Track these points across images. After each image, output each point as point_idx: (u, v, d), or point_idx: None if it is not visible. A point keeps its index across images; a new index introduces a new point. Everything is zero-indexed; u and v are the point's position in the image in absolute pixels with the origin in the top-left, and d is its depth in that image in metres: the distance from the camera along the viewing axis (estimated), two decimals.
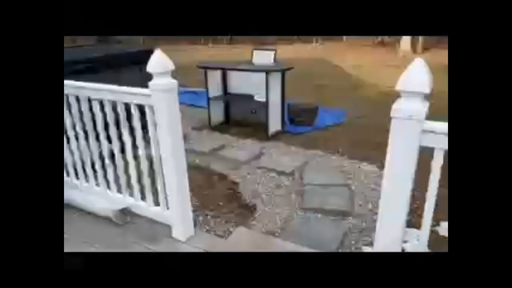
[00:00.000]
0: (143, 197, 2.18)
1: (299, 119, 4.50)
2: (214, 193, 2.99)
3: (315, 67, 8.96)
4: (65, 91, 2.04)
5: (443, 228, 1.44)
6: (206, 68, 4.37)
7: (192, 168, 3.43)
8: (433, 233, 1.50)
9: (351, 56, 10.71)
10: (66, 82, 1.97)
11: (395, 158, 1.21)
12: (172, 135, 1.76)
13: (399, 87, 1.15)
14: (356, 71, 8.43)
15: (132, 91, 1.79)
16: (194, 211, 2.65)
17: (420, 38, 11.06)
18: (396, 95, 1.21)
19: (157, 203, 2.12)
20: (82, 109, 2.08)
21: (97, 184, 2.34)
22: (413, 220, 1.84)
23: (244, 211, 2.67)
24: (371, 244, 2.23)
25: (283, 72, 4.15)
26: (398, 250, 1.37)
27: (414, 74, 1.12)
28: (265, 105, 4.05)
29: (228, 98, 4.67)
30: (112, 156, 2.14)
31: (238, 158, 3.54)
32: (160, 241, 2.04)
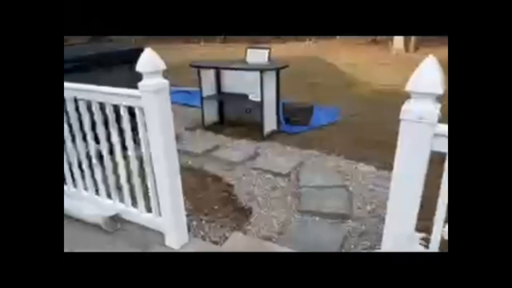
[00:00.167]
0: (134, 203, 2.07)
1: (294, 119, 4.43)
2: (208, 196, 2.89)
3: (309, 65, 8.90)
4: None
5: (446, 232, 1.39)
6: (199, 67, 4.27)
7: (185, 170, 3.33)
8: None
9: (344, 54, 10.68)
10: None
11: (404, 163, 1.14)
12: (164, 137, 1.66)
13: (409, 87, 1.07)
14: (349, 69, 8.40)
15: (121, 92, 1.69)
16: (187, 215, 2.55)
17: (413, 37, 11.09)
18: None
19: (149, 209, 2.02)
20: (68, 109, 1.96)
21: (86, 189, 2.23)
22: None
23: (240, 215, 2.59)
24: (370, 248, 2.18)
25: (277, 71, 4.06)
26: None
27: (426, 74, 1.04)
28: (259, 105, 3.97)
29: (222, 97, 4.57)
30: (100, 158, 2.04)
31: (233, 159, 3.45)
32: (152, 249, 1.94)
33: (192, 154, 3.61)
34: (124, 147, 1.91)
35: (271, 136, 4.14)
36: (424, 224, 1.38)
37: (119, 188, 2.06)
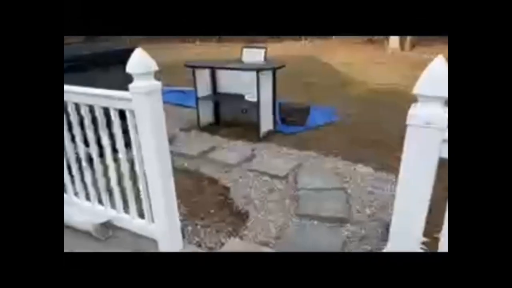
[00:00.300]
0: (126, 207, 1.99)
1: (291, 119, 4.37)
2: (204, 199, 2.82)
3: (305, 64, 8.85)
4: None
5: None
6: (194, 67, 4.19)
7: (181, 173, 3.25)
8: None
9: (340, 54, 10.64)
10: None
11: (411, 170, 1.08)
12: (155, 141, 1.59)
13: (416, 90, 1.01)
14: (345, 68, 8.36)
15: (110, 94, 1.61)
16: (182, 220, 2.48)
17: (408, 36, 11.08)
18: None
19: (141, 215, 1.94)
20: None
21: (76, 194, 2.14)
22: None
23: (236, 219, 2.52)
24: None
25: (274, 71, 4.00)
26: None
27: (435, 76, 0.98)
28: (256, 105, 3.90)
29: (218, 97, 4.49)
30: (90, 161, 1.95)
31: (229, 160, 3.38)
32: None
33: (188, 156, 3.53)
34: (114, 150, 1.83)
35: (268, 136, 4.07)
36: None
37: (109, 191, 1.98)
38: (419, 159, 1.06)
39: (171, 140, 3.96)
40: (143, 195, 1.79)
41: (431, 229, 1.36)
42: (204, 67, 4.27)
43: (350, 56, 10.24)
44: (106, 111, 1.72)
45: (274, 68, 3.97)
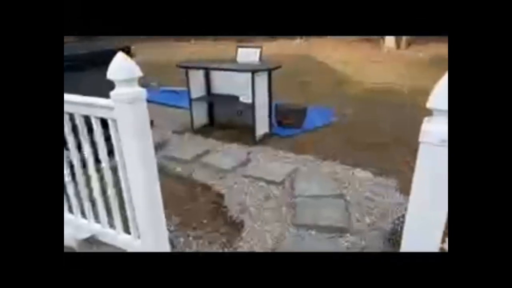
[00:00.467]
0: (110, 219, 1.85)
1: (287, 121, 4.25)
2: (197, 207, 2.70)
3: (300, 63, 8.72)
4: None
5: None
6: (186, 68, 4.05)
7: (173, 178, 3.13)
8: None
9: (336, 52, 10.52)
10: None
11: (424, 190, 0.97)
12: (140, 156, 1.45)
13: (431, 104, 0.89)
14: (341, 67, 8.26)
15: (92, 102, 1.47)
16: (173, 231, 2.37)
17: None
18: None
19: (127, 230, 1.80)
20: None
21: None
22: None
23: (231, 229, 2.40)
24: None
25: (269, 72, 3.87)
26: None
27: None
28: (251, 107, 3.77)
29: (212, 99, 4.36)
30: (72, 171, 1.82)
31: (223, 165, 3.26)
32: None
33: (181, 160, 3.40)
34: (98, 160, 1.70)
35: (263, 140, 3.95)
36: None
37: (92, 201, 1.85)
38: (434, 179, 0.95)
39: (164, 144, 3.83)
40: (128, 210, 1.66)
41: None
42: (197, 68, 4.13)
43: (346, 54, 10.13)
44: (88, 119, 1.58)
45: (269, 69, 3.84)
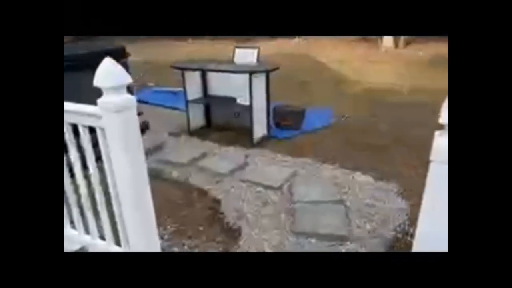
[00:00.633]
0: (101, 232, 1.77)
1: (285, 123, 4.18)
2: (193, 213, 2.63)
3: (299, 63, 8.63)
4: None
5: None
6: (182, 69, 3.96)
7: (168, 183, 3.06)
8: None
9: (334, 52, 10.43)
10: None
11: (436, 211, 0.89)
12: (130, 166, 1.37)
13: (443, 119, 0.82)
14: (339, 66, 8.19)
15: (79, 110, 1.39)
16: (168, 240, 2.29)
17: None
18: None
19: (118, 242, 1.72)
20: None
21: None
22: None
23: (227, 237, 2.33)
24: None
25: (267, 73, 3.79)
26: None
27: None
28: (248, 108, 3.70)
29: (209, 100, 4.28)
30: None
31: (220, 169, 3.18)
32: None
33: (177, 164, 3.32)
34: (85, 167, 1.62)
35: (261, 142, 3.88)
36: None
37: (80, 207, 1.77)
38: (444, 201, 0.86)
39: (160, 147, 3.74)
40: (118, 221, 1.58)
41: None
42: (193, 69, 4.04)
43: (344, 54, 10.04)
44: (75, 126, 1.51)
45: (267, 70, 3.76)
